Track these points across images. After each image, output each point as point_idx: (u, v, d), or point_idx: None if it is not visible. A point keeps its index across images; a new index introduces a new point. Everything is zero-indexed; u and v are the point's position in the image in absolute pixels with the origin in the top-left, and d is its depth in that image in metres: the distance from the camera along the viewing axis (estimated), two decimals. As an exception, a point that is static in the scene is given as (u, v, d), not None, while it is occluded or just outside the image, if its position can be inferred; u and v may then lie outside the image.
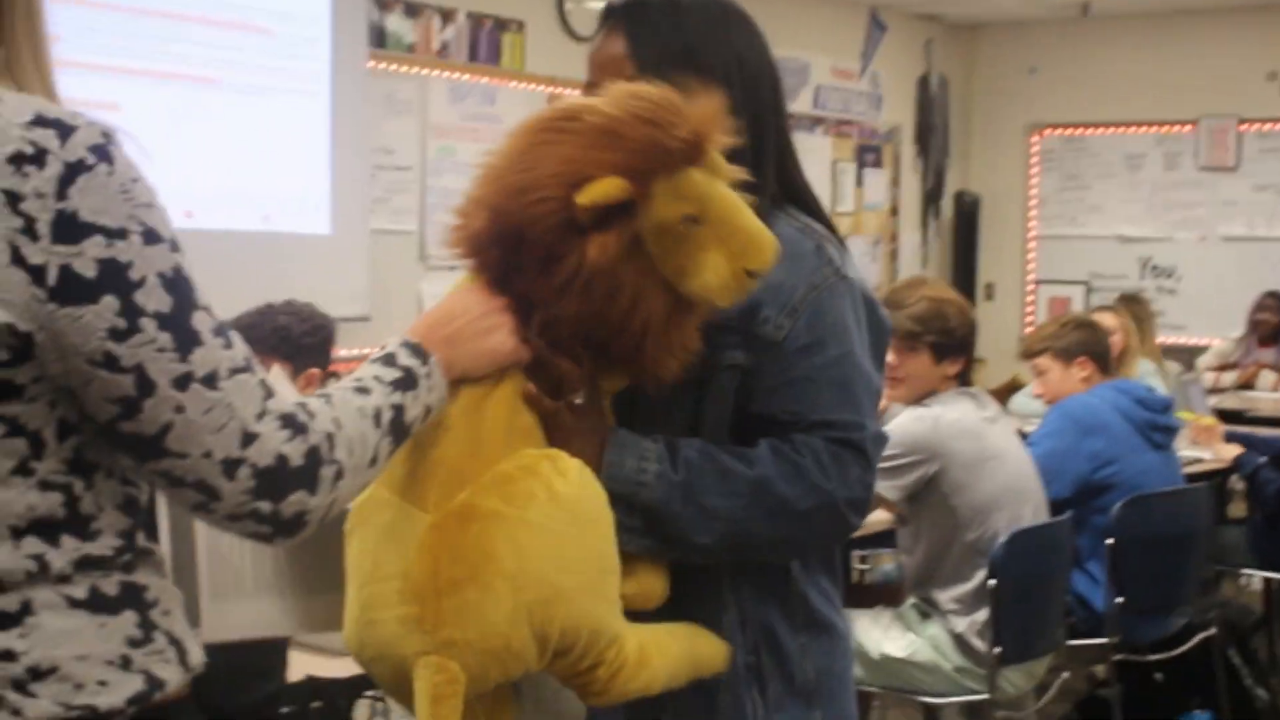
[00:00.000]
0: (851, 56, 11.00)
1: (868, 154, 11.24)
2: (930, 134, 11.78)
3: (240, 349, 1.63)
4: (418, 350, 1.86)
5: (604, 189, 1.82)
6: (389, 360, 1.84)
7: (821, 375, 2.12)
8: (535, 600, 1.84)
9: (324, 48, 7.86)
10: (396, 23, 8.34)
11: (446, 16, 8.55)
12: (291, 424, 1.62)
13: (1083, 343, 5.41)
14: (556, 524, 1.86)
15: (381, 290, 7.72)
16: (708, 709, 2.16)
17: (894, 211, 11.56)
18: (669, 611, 2.12)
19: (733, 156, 2.00)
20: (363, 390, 1.77)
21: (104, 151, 1.58)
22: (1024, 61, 11.82)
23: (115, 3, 7.08)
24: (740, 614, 2.18)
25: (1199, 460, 6.35)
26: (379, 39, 8.21)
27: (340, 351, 4.63)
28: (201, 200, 7.20)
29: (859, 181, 11.16)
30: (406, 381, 1.82)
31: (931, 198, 11.89)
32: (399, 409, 1.79)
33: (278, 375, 3.09)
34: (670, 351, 1.97)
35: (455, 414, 1.92)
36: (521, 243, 1.87)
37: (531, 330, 1.92)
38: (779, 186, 2.23)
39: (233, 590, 2.27)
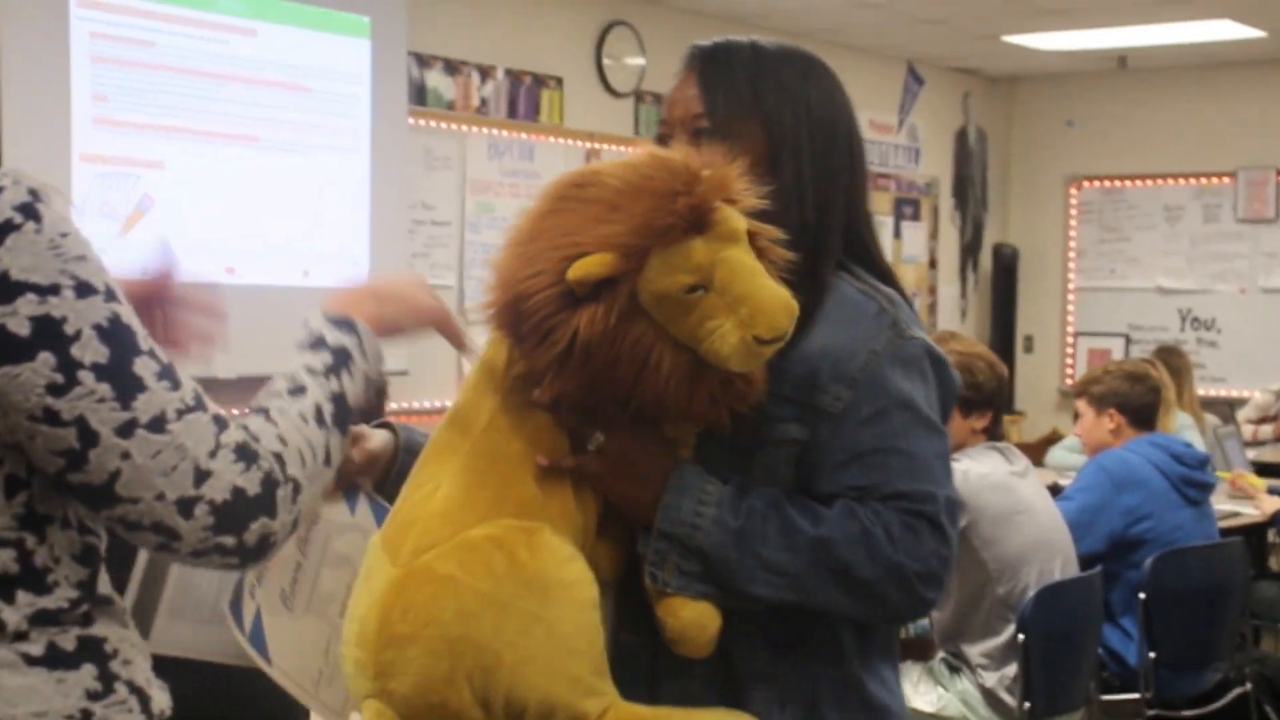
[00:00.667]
0: (889, 110, 10.98)
1: (905, 207, 11.20)
2: (968, 186, 11.74)
3: (189, 388, 1.65)
4: (341, 322, 1.89)
5: (591, 265, 1.85)
6: (317, 344, 1.86)
7: (889, 446, 2.03)
8: (474, 667, 1.87)
9: (364, 105, 7.93)
10: (436, 79, 8.40)
11: (485, 73, 8.60)
12: (244, 454, 1.64)
13: (1116, 394, 5.40)
14: (508, 596, 1.89)
15: (420, 345, 7.72)
16: None
17: (932, 264, 11.52)
18: (708, 685, 2.07)
19: (789, 213, 2.00)
20: (298, 390, 1.79)
21: (31, 209, 1.59)
22: (1062, 114, 11.76)
23: (159, 63, 7.18)
24: (780, 692, 2.08)
25: (1236, 514, 6.31)
26: (419, 96, 8.27)
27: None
28: (243, 256, 7.29)
29: (896, 234, 11.11)
30: (338, 362, 1.84)
31: (970, 250, 11.84)
32: (338, 397, 1.82)
33: None
34: (705, 403, 1.95)
35: (446, 470, 1.99)
36: (521, 314, 1.90)
37: (543, 393, 1.94)
38: (846, 245, 2.16)
39: (190, 613, 2.28)
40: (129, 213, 7.11)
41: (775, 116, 2.11)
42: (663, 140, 2.15)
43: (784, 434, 2.05)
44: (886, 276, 2.21)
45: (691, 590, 2.00)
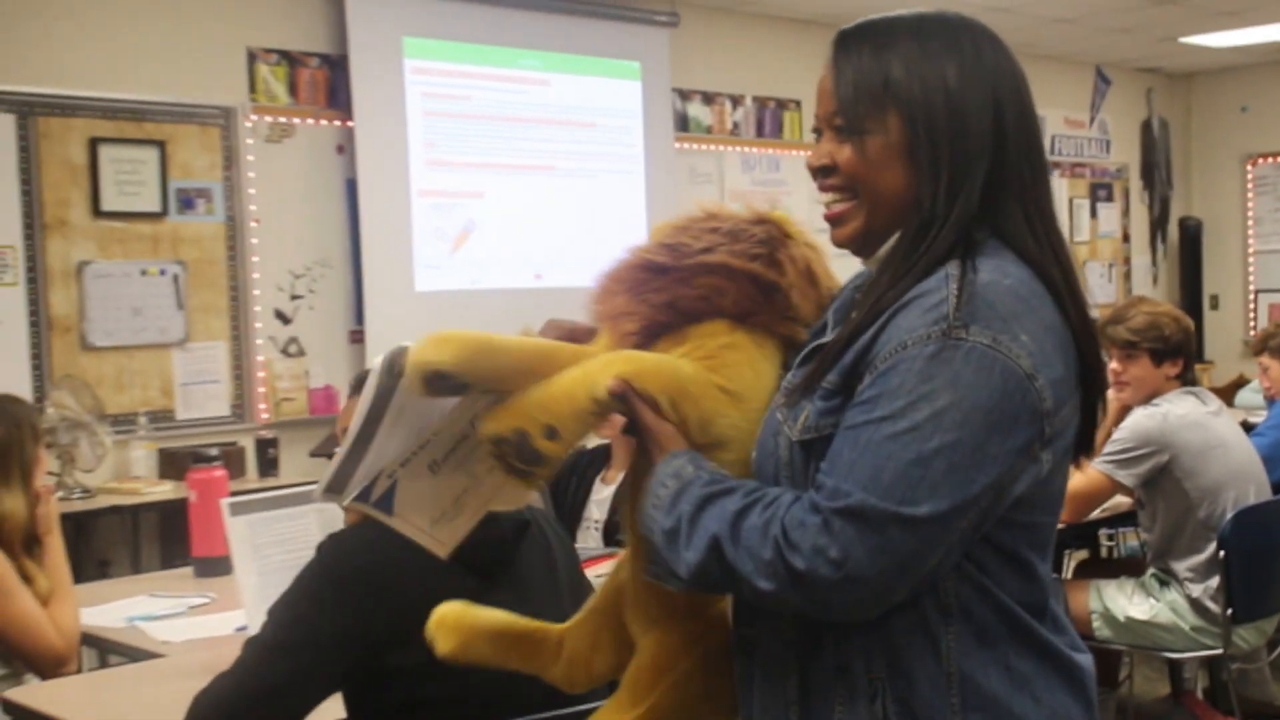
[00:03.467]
0: (1081, 108, 10.81)
1: (1100, 190, 11.01)
2: (1154, 170, 11.50)
3: None
4: None
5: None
6: None
7: (853, 435, 1.52)
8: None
9: (638, 135, 8.05)
10: (696, 109, 8.47)
11: (736, 101, 8.66)
12: None
13: None
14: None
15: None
16: None
17: (1125, 239, 11.28)
18: (784, 680, 1.66)
19: (922, 207, 1.60)
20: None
21: None
22: (1235, 101, 11.44)
23: (474, 113, 7.42)
24: (870, 684, 1.58)
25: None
26: (682, 124, 8.36)
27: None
28: (546, 265, 7.47)
29: (1093, 214, 10.95)
30: None
31: (1158, 225, 11.59)
32: None
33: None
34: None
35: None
36: None
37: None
38: (992, 225, 1.62)
39: None
40: (456, 234, 7.31)
41: (904, 99, 1.61)
42: (817, 134, 1.70)
43: (825, 428, 1.58)
44: (1036, 263, 1.61)
45: (652, 574, 1.68)
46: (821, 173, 1.67)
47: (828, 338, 1.65)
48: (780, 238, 1.74)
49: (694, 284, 1.68)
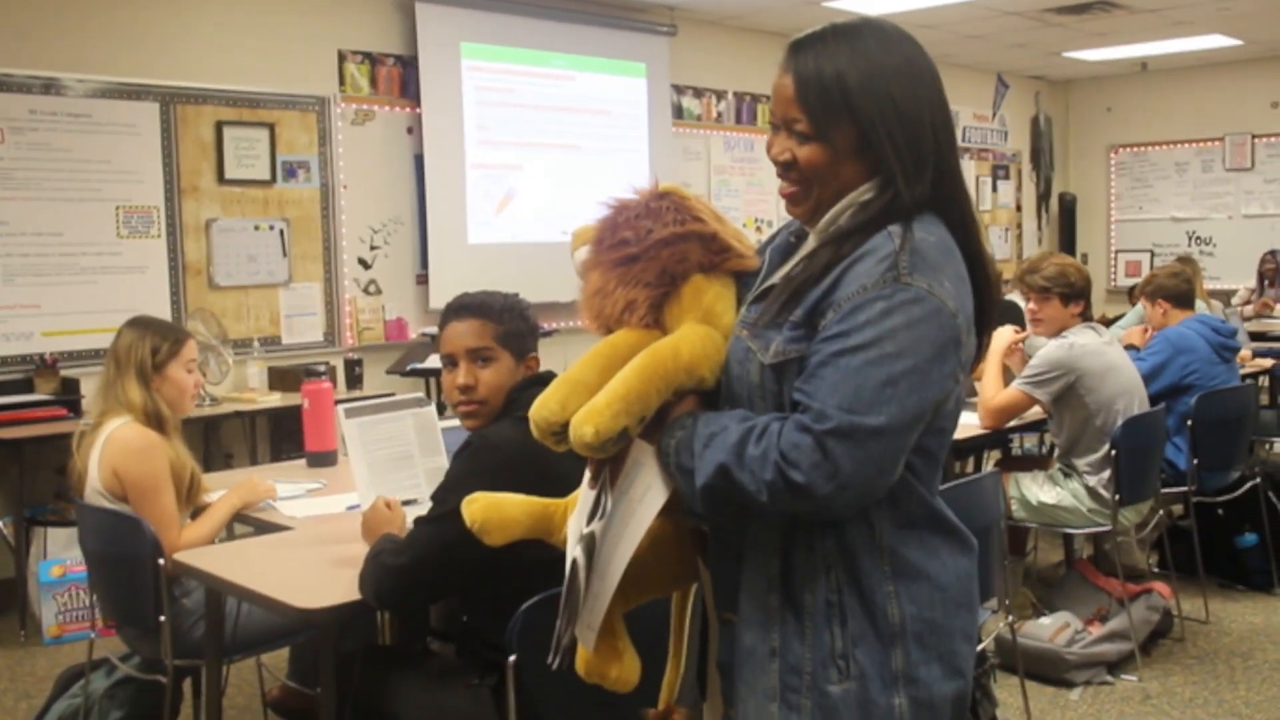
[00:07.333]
0: (985, 106, 10.73)
1: (999, 170, 10.93)
2: (1040, 155, 11.42)
3: None
4: None
5: None
6: None
7: (830, 362, 1.44)
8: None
9: (643, 121, 7.93)
10: (689, 102, 8.34)
11: (719, 96, 8.52)
12: None
13: (1162, 288, 5.21)
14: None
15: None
16: (798, 631, 1.54)
17: (1018, 208, 11.23)
18: (739, 559, 1.60)
19: (885, 190, 1.53)
20: None
21: None
22: (1103, 103, 11.40)
23: (517, 102, 7.29)
24: (825, 561, 1.52)
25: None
26: (678, 113, 8.23)
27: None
28: (571, 223, 7.27)
29: (994, 189, 10.89)
30: None
31: (1043, 198, 11.52)
32: None
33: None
34: None
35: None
36: None
37: None
38: (937, 205, 1.54)
39: None
40: (500, 199, 7.22)
41: (865, 116, 1.51)
42: (774, 129, 1.61)
43: (792, 353, 1.50)
44: (954, 227, 1.56)
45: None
46: (783, 166, 1.60)
47: (775, 279, 1.59)
48: (682, 200, 1.66)
49: (663, 255, 1.61)
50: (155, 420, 3.22)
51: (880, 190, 1.54)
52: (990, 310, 1.62)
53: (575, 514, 1.67)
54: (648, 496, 1.55)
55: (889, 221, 1.51)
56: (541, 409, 1.52)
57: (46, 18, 5.60)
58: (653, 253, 1.61)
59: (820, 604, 1.53)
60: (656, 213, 1.64)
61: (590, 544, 1.57)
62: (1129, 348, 4.97)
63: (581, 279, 1.68)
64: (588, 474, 1.62)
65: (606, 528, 1.57)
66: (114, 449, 3.14)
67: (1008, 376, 4.46)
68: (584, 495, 1.63)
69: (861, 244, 1.50)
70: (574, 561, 1.57)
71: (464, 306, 2.55)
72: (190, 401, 3.36)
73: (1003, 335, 4.51)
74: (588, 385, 1.52)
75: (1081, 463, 4.23)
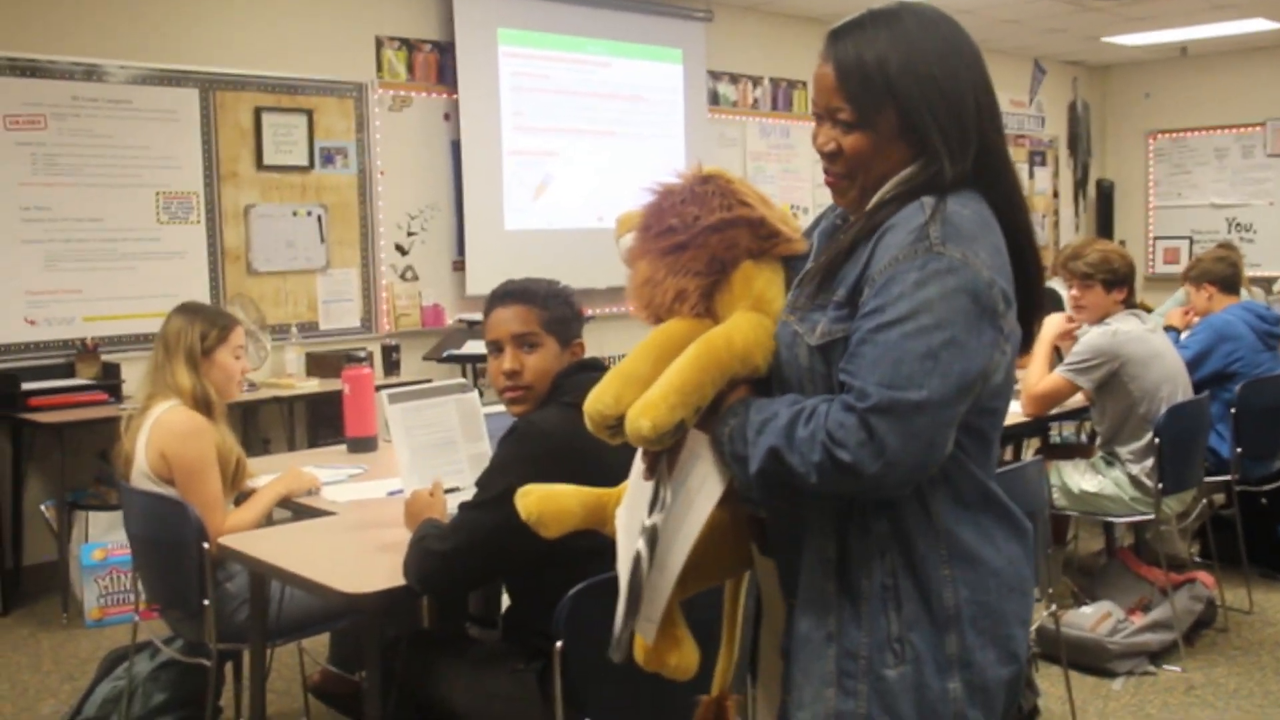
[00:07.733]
0: (1023, 92, 10.62)
1: (1036, 157, 10.83)
2: (1078, 141, 11.31)
3: None
4: None
5: None
6: None
7: (870, 339, 1.43)
8: None
9: (679, 107, 7.90)
10: (724, 88, 8.29)
11: (756, 82, 8.47)
12: None
13: (1207, 273, 5.14)
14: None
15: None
16: (854, 616, 1.52)
17: (1055, 195, 11.13)
18: (797, 545, 1.58)
19: (930, 166, 1.51)
20: None
21: None
22: (1141, 88, 11.27)
23: (552, 89, 7.28)
24: (880, 545, 1.50)
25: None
26: (714, 99, 8.19)
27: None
28: (607, 209, 7.34)
29: (1031, 176, 10.79)
30: None
31: (1080, 185, 11.41)
32: None
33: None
34: None
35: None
36: None
37: None
38: (981, 178, 1.52)
39: None
40: (537, 185, 7.21)
41: (908, 98, 1.50)
42: (818, 119, 1.59)
43: (838, 333, 1.49)
44: (994, 204, 1.54)
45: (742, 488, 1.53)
46: (829, 157, 1.58)
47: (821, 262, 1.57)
48: (727, 184, 1.63)
49: (712, 243, 1.58)
50: (203, 405, 3.23)
51: (924, 168, 1.53)
52: (1038, 293, 1.59)
53: (625, 505, 1.66)
54: (705, 487, 1.54)
55: (925, 194, 1.50)
56: (596, 403, 1.51)
57: (88, 5, 5.63)
58: (701, 240, 1.59)
59: (876, 588, 1.51)
60: (702, 198, 1.61)
61: (653, 536, 1.54)
62: (1168, 329, 4.92)
63: (628, 267, 1.66)
64: (640, 464, 1.60)
65: (666, 519, 1.54)
66: (161, 431, 3.16)
67: (1058, 363, 4.42)
68: (637, 486, 1.61)
69: (893, 214, 1.49)
70: (636, 555, 1.55)
71: (509, 293, 2.55)
72: (237, 387, 3.38)
73: (1053, 322, 4.46)
74: (641, 378, 1.50)
75: (1124, 451, 4.18)
